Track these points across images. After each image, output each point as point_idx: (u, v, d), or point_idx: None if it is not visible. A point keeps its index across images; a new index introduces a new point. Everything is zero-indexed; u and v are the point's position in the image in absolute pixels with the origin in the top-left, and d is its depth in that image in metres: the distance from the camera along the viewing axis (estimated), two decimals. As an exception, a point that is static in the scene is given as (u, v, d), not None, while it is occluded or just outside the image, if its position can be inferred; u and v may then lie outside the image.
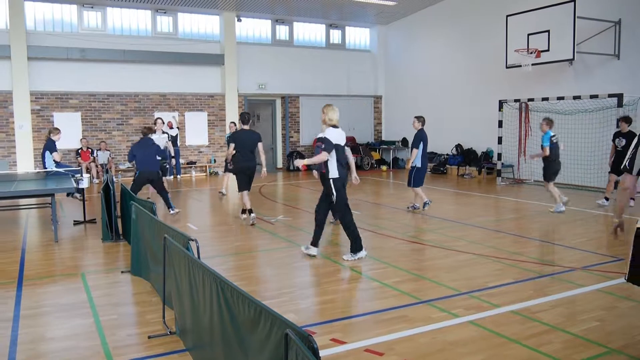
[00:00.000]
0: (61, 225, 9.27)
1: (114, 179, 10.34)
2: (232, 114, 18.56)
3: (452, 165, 17.66)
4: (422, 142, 10.05)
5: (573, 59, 12.94)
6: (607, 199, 10.59)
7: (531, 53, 13.61)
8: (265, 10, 18.62)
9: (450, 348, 4.15)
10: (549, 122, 10.16)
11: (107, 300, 5.39)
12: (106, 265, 6.85)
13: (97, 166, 16.20)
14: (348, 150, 7.41)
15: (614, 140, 10.54)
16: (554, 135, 10.16)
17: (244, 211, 9.72)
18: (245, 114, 9.70)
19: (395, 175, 18.04)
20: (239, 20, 18.71)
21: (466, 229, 8.78)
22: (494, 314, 4.88)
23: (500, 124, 15.10)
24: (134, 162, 10.01)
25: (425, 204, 10.30)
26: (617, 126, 11.84)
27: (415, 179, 10.21)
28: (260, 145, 9.41)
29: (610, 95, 12.15)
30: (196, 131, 18.25)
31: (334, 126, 7.23)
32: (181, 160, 17.39)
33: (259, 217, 9.89)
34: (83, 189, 9.30)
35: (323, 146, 7.00)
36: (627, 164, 3.77)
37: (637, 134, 3.91)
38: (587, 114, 13.21)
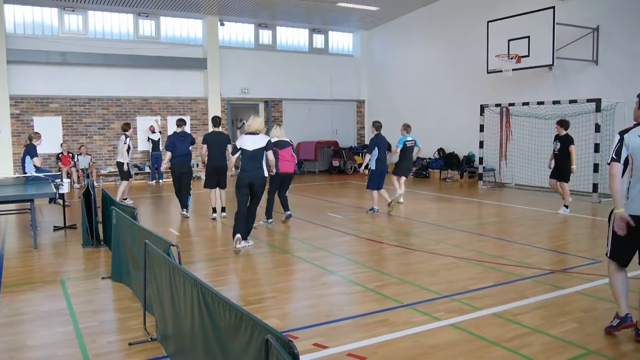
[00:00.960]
0: (41, 231, 9.15)
1: (95, 184, 10.25)
2: (215, 119, 18.50)
3: (435, 169, 17.79)
4: (376, 147, 10.53)
5: (552, 64, 13.14)
6: (566, 206, 10.45)
7: (512, 58, 13.78)
8: (249, 15, 18.61)
9: (431, 352, 4.17)
10: (407, 127, 12.02)
11: (87, 307, 5.32)
12: (86, 271, 6.77)
13: (77, 171, 16.02)
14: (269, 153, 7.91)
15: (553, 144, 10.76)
16: (409, 140, 11.75)
17: (214, 210, 10.23)
18: (217, 117, 10.21)
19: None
20: (222, 24, 18.67)
21: (448, 233, 8.85)
22: (475, 317, 4.92)
23: (481, 128, 15.25)
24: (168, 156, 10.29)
25: (372, 209, 10.80)
26: (597, 130, 12.06)
27: (370, 181, 10.74)
28: (229, 146, 9.76)
29: (588, 100, 12.35)
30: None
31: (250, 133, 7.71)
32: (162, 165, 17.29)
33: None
34: (64, 194, 9.19)
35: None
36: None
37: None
38: (567, 118, 13.37)
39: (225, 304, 2.81)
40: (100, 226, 8.21)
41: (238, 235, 7.48)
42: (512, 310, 5.08)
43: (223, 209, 10.33)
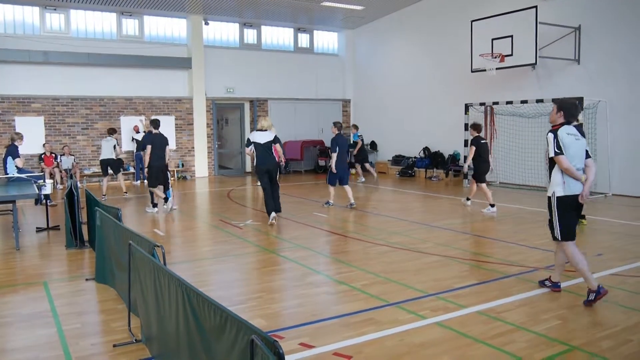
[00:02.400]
0: (23, 232, 9.03)
1: (79, 185, 10.15)
2: (200, 118, 18.44)
3: (420, 168, 17.87)
4: (338, 146, 11.06)
5: (535, 63, 13.26)
6: (492, 205, 10.73)
7: (495, 57, 13.88)
8: (233, 14, 18.53)
9: (417, 350, 4.20)
10: (355, 127, 15.17)
11: (71, 309, 5.27)
12: (70, 272, 6.70)
13: (61, 171, 15.85)
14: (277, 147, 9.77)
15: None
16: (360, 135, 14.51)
17: (155, 205, 11.06)
18: (157, 120, 11.06)
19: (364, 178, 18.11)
20: (207, 23, 18.58)
21: (433, 231, 8.89)
22: (460, 314, 4.96)
23: (466, 127, 15.32)
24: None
25: (327, 202, 11.59)
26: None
27: (331, 178, 11.34)
28: (167, 148, 10.94)
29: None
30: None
31: (260, 130, 9.66)
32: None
33: (227, 221, 9.85)
34: (48, 195, 9.10)
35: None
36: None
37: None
38: (550, 116, 13.52)
39: (210, 305, 2.81)
40: (84, 227, 8.14)
41: (273, 214, 9.52)
42: (496, 307, 5.12)
43: (165, 200, 11.06)
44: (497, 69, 13.95)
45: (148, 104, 17.75)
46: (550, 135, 5.23)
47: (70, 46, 16.27)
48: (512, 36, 13.54)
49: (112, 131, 13.04)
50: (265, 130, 9.60)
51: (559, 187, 5.23)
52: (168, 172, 11.22)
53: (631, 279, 6.04)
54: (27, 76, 15.91)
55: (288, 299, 5.60)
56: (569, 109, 5.35)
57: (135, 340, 4.37)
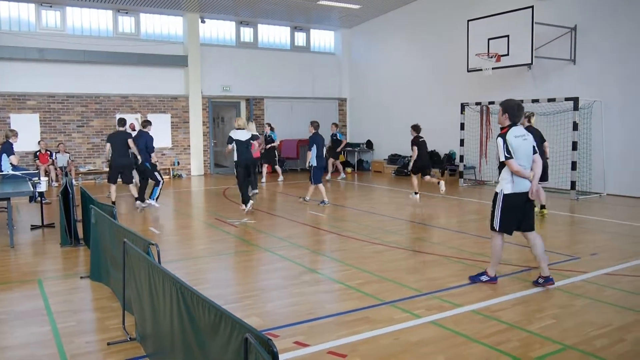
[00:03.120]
0: (18, 230, 9.01)
1: (74, 182, 10.11)
2: (196, 116, 18.40)
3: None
4: (315, 145, 11.53)
5: (531, 63, 13.28)
6: (416, 192, 12.27)
7: (491, 57, 13.90)
8: (230, 12, 18.51)
9: (412, 349, 4.20)
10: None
11: (65, 307, 5.26)
12: (65, 270, 6.69)
13: (56, 169, 15.80)
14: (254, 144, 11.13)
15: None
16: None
17: (113, 203, 10.91)
18: (122, 119, 11.45)
19: (360, 177, 18.14)
20: (203, 21, 18.54)
21: (429, 230, 8.90)
22: (455, 313, 4.96)
23: (462, 126, 15.37)
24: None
25: (323, 201, 11.67)
26: (575, 128, 12.24)
27: (315, 176, 11.62)
28: (130, 141, 11.04)
29: (566, 99, 12.50)
30: (159, 133, 17.95)
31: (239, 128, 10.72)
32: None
33: (222, 220, 9.85)
34: (42, 192, 9.07)
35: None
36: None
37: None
38: (545, 116, 13.56)
39: (204, 303, 2.80)
40: (79, 225, 8.12)
41: (251, 201, 10.64)
42: (491, 306, 5.13)
43: (137, 199, 11.25)
44: (493, 68, 13.97)
45: (144, 102, 17.70)
46: (500, 140, 5.53)
47: (66, 43, 16.22)
48: (508, 36, 13.56)
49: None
50: (243, 129, 10.72)
51: (507, 185, 5.57)
52: (135, 171, 11.53)
53: (625, 278, 6.07)
54: (23, 73, 15.85)
55: (283, 298, 5.60)
56: (512, 110, 5.60)
57: (130, 338, 4.36)
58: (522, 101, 13.41)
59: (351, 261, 6.90)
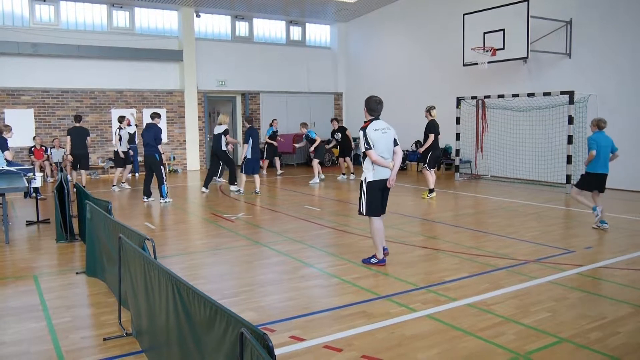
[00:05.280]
0: (13, 225, 8.98)
1: (69, 178, 10.08)
2: (191, 111, 18.36)
3: (412, 162, 17.89)
4: (250, 138, 12.21)
5: (527, 57, 13.29)
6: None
7: (487, 51, 13.91)
8: (225, 6, 18.43)
9: (408, 342, 4.21)
10: (304, 125, 15.44)
11: (61, 303, 5.25)
12: (60, 266, 6.67)
13: (51, 164, 15.74)
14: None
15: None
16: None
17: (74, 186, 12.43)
18: (78, 115, 13.18)
19: (356, 171, 18.11)
20: (198, 15, 18.46)
21: (425, 224, 8.92)
22: (450, 307, 4.98)
23: (458, 120, 15.38)
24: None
25: (239, 190, 12.67)
26: (570, 122, 12.25)
27: (246, 167, 12.30)
28: (88, 139, 13.14)
29: (562, 93, 12.53)
30: (155, 128, 17.89)
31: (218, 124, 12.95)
32: (139, 158, 17.06)
33: (218, 215, 9.84)
34: (37, 188, 9.04)
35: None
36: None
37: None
38: (541, 110, 13.59)
39: (200, 298, 2.80)
40: (74, 220, 8.09)
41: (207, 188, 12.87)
42: (487, 300, 5.15)
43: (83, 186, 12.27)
44: (488, 62, 13.97)
45: (139, 97, 17.64)
46: (361, 133, 6.12)
47: (60, 38, 16.13)
48: (504, 30, 13.56)
49: (121, 119, 13.88)
50: (220, 124, 12.84)
51: (369, 173, 6.19)
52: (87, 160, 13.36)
53: (620, 271, 6.09)
54: (17, 68, 15.76)
55: (279, 292, 5.60)
56: (369, 105, 6.25)
57: (126, 333, 4.36)
58: (518, 95, 13.57)
59: (347, 255, 6.90)
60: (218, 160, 13.09)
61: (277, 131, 17.11)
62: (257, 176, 12.48)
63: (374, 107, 6.24)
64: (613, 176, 12.55)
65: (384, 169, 6.17)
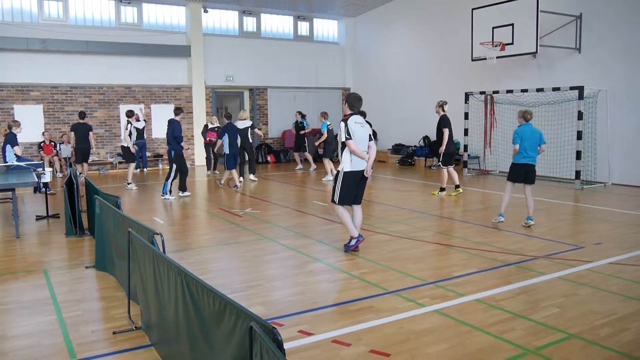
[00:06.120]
0: (23, 220, 9.05)
1: (78, 173, 10.13)
2: (199, 106, 18.38)
3: (420, 157, 17.85)
4: (226, 133, 12.64)
5: (536, 52, 13.19)
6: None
7: (496, 46, 13.82)
8: (232, 2, 18.42)
9: (416, 337, 4.21)
10: (325, 115, 15.08)
11: (71, 297, 5.29)
12: (70, 260, 6.72)
13: (60, 160, 15.83)
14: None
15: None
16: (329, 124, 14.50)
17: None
18: (83, 112, 14.24)
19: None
20: (206, 11, 18.47)
21: (433, 220, 8.90)
22: (459, 303, 4.97)
23: (466, 115, 15.31)
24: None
25: (236, 185, 12.80)
26: (580, 117, 12.18)
27: (227, 163, 12.74)
28: (91, 133, 13.93)
29: (571, 88, 12.43)
30: (163, 124, 17.90)
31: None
32: (147, 153, 17.14)
33: (226, 210, 9.86)
34: (47, 183, 9.11)
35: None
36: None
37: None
38: (550, 105, 13.50)
39: (209, 292, 2.81)
40: (84, 215, 8.14)
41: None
42: (495, 296, 5.14)
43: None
44: (497, 57, 13.89)
45: (147, 92, 17.69)
46: (342, 124, 6.53)
47: (69, 34, 16.19)
48: (513, 24, 13.46)
49: (130, 113, 13.64)
50: (244, 119, 13.76)
51: (347, 164, 6.54)
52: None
53: (629, 267, 6.06)
54: (26, 64, 15.84)
55: (288, 287, 5.61)
56: (349, 101, 6.70)
57: (135, 327, 4.39)
58: (527, 90, 13.49)
59: (355, 251, 6.90)
60: (244, 152, 13.81)
61: (301, 122, 16.78)
62: (234, 171, 12.78)
63: (354, 102, 6.69)
64: (623, 172, 12.54)
65: (360, 161, 6.55)
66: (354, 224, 6.79)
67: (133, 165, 13.43)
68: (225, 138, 12.60)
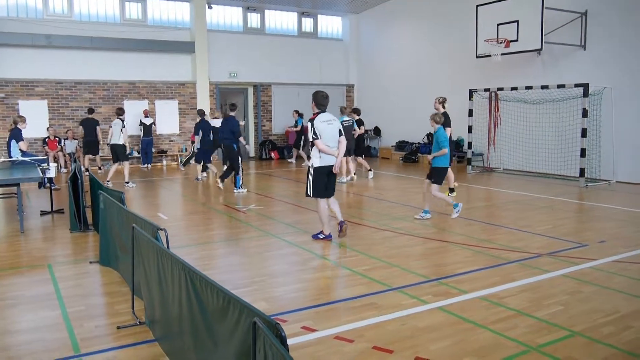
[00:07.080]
0: (27, 215, 9.09)
1: (82, 168, 10.16)
2: (203, 103, 18.38)
3: (424, 154, 17.79)
4: (201, 130, 13.25)
5: (541, 49, 13.14)
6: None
7: (500, 43, 13.78)
8: (237, -2, 18.41)
9: (419, 334, 4.22)
10: (343, 109, 13.62)
11: (75, 292, 5.31)
12: (74, 255, 6.74)
13: (64, 155, 15.88)
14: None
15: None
16: (346, 120, 12.54)
17: (87, 169, 13.28)
18: (91, 108, 15.33)
19: (368, 163, 18.07)
20: (210, 7, 18.46)
21: (437, 217, 8.89)
22: (462, 300, 4.97)
23: (470, 112, 15.28)
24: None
25: (196, 178, 13.54)
26: (585, 115, 12.14)
27: (197, 157, 13.76)
28: (98, 128, 14.92)
29: (576, 85, 12.39)
30: (167, 120, 18.00)
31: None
32: (152, 149, 17.18)
33: (230, 206, 9.87)
34: (52, 178, 9.14)
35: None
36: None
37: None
38: (555, 103, 13.46)
39: (212, 288, 2.82)
40: (88, 210, 8.17)
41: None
42: (499, 293, 5.13)
43: (87, 169, 13.46)
44: (502, 54, 13.85)
45: (151, 88, 17.71)
46: (309, 124, 6.84)
47: (73, 30, 16.21)
48: (517, 21, 13.42)
49: (121, 111, 12.75)
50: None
51: (316, 160, 6.88)
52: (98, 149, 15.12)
53: (633, 265, 6.05)
54: (31, 60, 15.88)
55: (291, 283, 5.62)
56: (317, 100, 6.98)
57: (139, 322, 4.41)
58: (531, 87, 13.45)
59: (359, 247, 6.91)
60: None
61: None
62: (202, 165, 13.62)
63: (321, 101, 6.98)
64: (627, 170, 12.50)
65: (330, 157, 6.88)
66: (334, 213, 7.28)
67: (127, 163, 12.71)
68: (199, 134, 13.34)
